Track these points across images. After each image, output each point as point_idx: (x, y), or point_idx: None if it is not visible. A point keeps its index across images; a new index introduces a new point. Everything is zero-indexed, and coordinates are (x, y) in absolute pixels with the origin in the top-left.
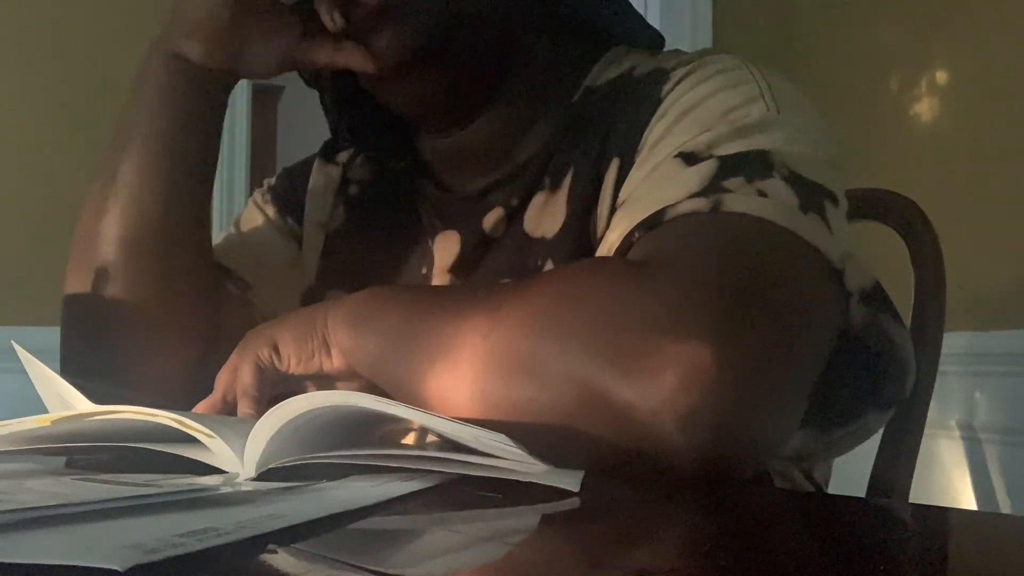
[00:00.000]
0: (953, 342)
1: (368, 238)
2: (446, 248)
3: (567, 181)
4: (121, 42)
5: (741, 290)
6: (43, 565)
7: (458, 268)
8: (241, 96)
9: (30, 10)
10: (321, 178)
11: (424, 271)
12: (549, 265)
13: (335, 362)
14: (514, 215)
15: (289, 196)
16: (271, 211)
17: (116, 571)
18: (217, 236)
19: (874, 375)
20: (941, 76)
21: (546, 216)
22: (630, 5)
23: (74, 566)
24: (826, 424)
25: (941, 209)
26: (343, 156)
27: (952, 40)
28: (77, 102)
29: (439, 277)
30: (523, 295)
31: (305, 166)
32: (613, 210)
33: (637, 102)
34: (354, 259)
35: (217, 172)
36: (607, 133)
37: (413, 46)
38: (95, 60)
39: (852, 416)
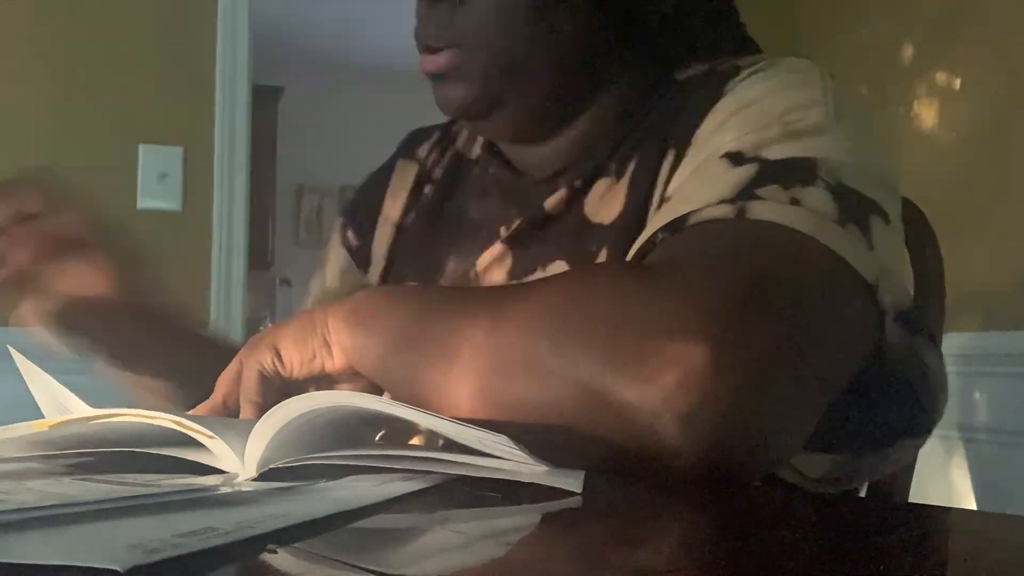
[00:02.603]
0: (953, 342)
1: (437, 228)
2: (509, 227)
3: (631, 169)
4: (122, 45)
5: (747, 294)
6: (43, 565)
7: (514, 240)
8: (241, 96)
9: (30, 12)
10: (400, 176)
11: (482, 246)
12: (604, 252)
13: (336, 362)
14: (575, 196)
15: (360, 207)
16: (353, 240)
17: (116, 571)
18: (217, 238)
19: (906, 403)
20: (941, 77)
21: (606, 203)
22: (729, 13)
23: (74, 566)
24: (858, 450)
25: (941, 209)
26: (423, 151)
27: (953, 41)
28: (77, 102)
29: (494, 250)
30: (525, 296)
31: (380, 173)
32: (663, 202)
33: (704, 95)
34: (422, 250)
35: (217, 171)
36: (672, 125)
37: (465, 108)
38: (95, 62)
39: (884, 443)
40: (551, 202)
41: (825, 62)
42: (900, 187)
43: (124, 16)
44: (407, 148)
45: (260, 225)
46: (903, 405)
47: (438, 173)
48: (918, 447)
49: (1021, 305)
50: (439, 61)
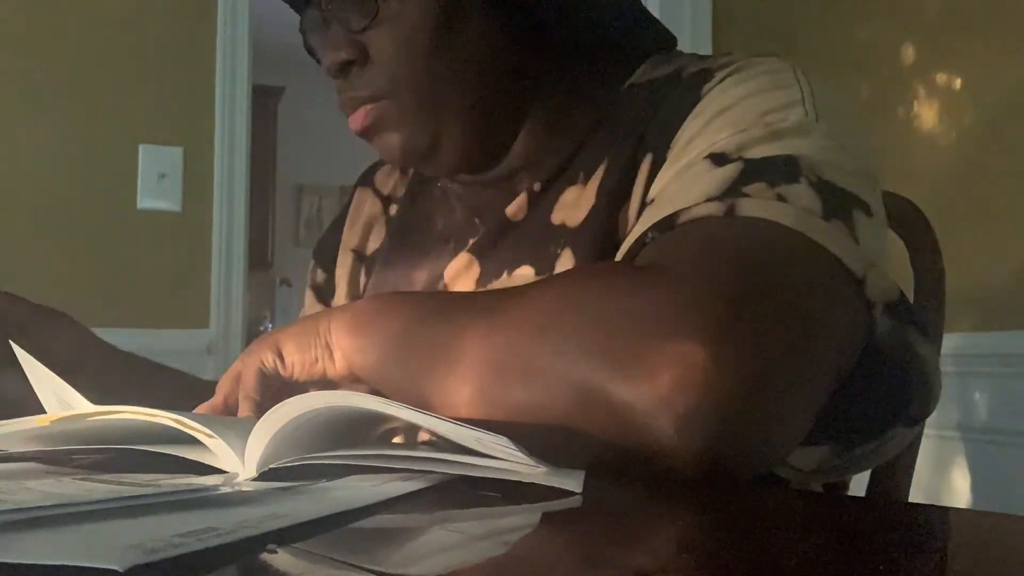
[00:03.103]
0: (952, 342)
1: (405, 244)
2: (472, 236)
3: (599, 173)
4: (122, 45)
5: (743, 292)
6: (43, 565)
7: (479, 249)
8: (241, 96)
9: (30, 12)
10: (358, 205)
11: (450, 258)
12: (567, 253)
13: (338, 366)
14: (537, 201)
15: (326, 245)
16: (320, 277)
17: (116, 571)
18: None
19: (899, 391)
20: (941, 77)
21: (572, 207)
22: (644, 11)
23: (74, 566)
24: (849, 440)
25: (941, 210)
26: (380, 178)
27: (953, 42)
28: (77, 102)
29: (460, 260)
30: (523, 298)
31: (343, 210)
32: (643, 205)
33: (677, 99)
34: (392, 266)
35: (217, 172)
36: (644, 129)
37: (406, 152)
38: (95, 62)
39: (876, 433)
40: (511, 209)
41: (825, 62)
42: (882, 180)
43: (124, 16)
44: (364, 178)
45: (260, 225)
46: (895, 395)
47: (401, 192)
48: (911, 437)
49: (1021, 305)
50: (361, 118)
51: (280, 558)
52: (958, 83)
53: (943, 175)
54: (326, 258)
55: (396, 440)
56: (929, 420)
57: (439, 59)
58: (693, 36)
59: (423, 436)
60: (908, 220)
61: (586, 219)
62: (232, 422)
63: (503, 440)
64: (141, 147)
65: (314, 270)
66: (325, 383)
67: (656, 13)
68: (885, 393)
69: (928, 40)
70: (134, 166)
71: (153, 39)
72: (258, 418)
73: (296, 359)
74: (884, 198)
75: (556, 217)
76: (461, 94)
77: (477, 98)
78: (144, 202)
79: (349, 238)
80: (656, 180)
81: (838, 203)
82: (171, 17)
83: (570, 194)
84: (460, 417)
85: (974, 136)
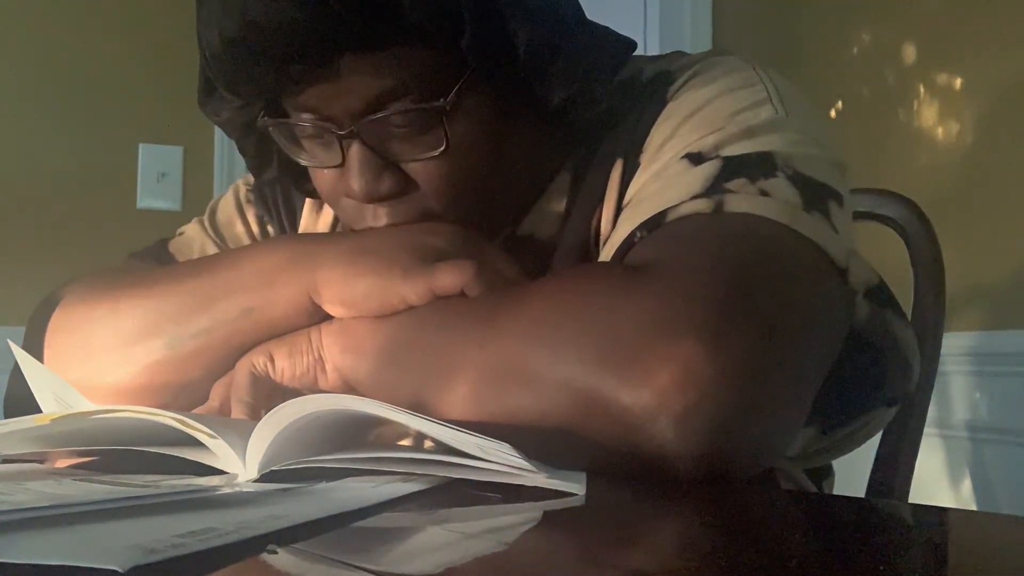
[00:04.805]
0: (953, 342)
1: None
2: None
3: (566, 181)
4: (122, 45)
5: (738, 289)
6: (43, 565)
7: None
8: None
9: (31, 12)
10: (312, 216)
11: None
12: (549, 267)
13: (330, 378)
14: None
15: (277, 201)
16: (252, 217)
17: (116, 571)
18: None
19: (878, 372)
20: (941, 77)
21: (543, 217)
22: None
23: (74, 566)
24: (830, 422)
25: (941, 209)
26: None
27: (952, 42)
28: (78, 101)
29: None
30: (517, 304)
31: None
32: (619, 209)
33: (642, 103)
34: None
35: (217, 171)
36: (610, 134)
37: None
38: (95, 61)
39: (856, 414)
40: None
41: (825, 63)
42: (882, 180)
43: (124, 16)
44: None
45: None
46: (874, 377)
47: None
48: (889, 417)
49: (1021, 305)
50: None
51: (280, 558)
52: (958, 83)
53: (943, 175)
54: (275, 212)
55: (405, 443)
56: (931, 419)
57: (490, 178)
58: (693, 36)
59: (430, 443)
60: (908, 220)
61: (565, 230)
62: (233, 423)
63: (505, 446)
64: (141, 146)
65: (249, 206)
66: (316, 390)
67: (656, 13)
68: (865, 375)
69: (928, 41)
70: (134, 165)
71: (153, 39)
72: (251, 420)
73: (286, 365)
74: (884, 198)
75: (527, 230)
76: (506, 198)
77: (517, 193)
78: (144, 201)
79: (310, 225)
80: (632, 183)
81: (815, 195)
82: (171, 17)
83: (540, 209)
84: (458, 422)
85: (974, 136)
